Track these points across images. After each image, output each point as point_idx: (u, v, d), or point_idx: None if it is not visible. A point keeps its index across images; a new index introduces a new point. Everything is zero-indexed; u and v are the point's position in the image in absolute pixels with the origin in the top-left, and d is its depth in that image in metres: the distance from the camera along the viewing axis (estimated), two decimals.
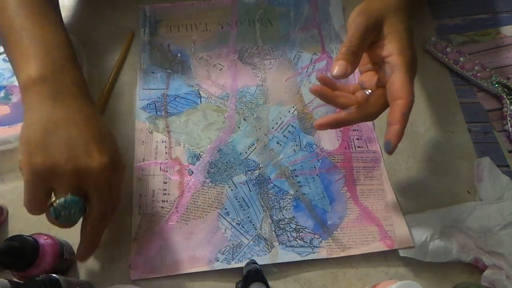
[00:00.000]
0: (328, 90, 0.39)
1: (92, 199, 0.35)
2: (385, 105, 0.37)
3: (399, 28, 0.37)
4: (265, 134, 0.49)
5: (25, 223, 0.43)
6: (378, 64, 0.38)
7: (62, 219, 0.34)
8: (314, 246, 0.43)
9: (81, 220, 0.36)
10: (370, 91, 0.38)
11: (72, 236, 0.41)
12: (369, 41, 0.37)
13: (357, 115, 0.37)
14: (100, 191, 0.35)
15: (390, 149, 0.35)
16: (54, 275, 0.33)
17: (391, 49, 0.36)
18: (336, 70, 0.35)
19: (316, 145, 0.49)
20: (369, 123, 0.50)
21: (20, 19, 0.38)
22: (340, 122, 0.38)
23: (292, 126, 0.50)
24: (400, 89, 0.35)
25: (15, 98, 0.49)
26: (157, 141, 0.48)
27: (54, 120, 0.34)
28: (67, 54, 0.39)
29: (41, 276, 0.32)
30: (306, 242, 0.43)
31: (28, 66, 0.36)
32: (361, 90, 0.40)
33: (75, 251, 0.39)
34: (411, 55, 0.36)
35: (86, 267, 0.42)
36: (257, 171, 0.47)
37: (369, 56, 0.39)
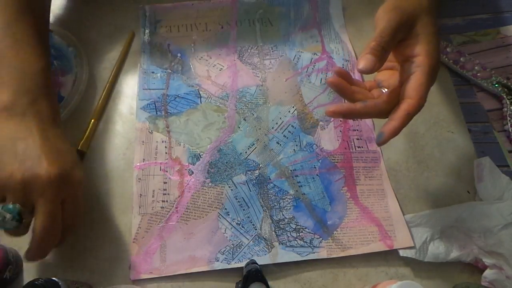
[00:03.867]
0: (346, 84, 0.37)
1: (36, 210, 0.35)
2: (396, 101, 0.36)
3: (431, 30, 0.36)
4: (265, 134, 0.49)
5: None
6: (400, 63, 0.37)
7: None
8: (314, 246, 0.43)
9: None
10: (386, 89, 0.38)
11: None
12: (399, 38, 0.36)
13: (372, 110, 0.36)
14: (45, 204, 0.35)
15: (380, 140, 0.34)
16: (54, 278, 0.34)
17: (419, 50, 0.35)
18: (363, 64, 0.33)
19: (316, 145, 0.49)
20: (369, 123, 0.50)
21: (2, 44, 0.39)
22: (354, 113, 0.36)
23: (292, 126, 0.50)
24: (414, 89, 0.34)
25: None
26: (157, 141, 0.48)
27: (12, 137, 0.36)
28: (42, 83, 0.39)
29: (40, 279, 0.33)
30: (306, 242, 0.43)
31: (1, 92, 0.37)
32: (377, 88, 0.39)
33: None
34: (437, 60, 0.35)
35: (86, 267, 0.42)
36: (257, 171, 0.47)
37: (394, 53, 0.38)
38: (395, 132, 0.34)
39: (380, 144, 0.35)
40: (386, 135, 0.34)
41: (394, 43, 0.36)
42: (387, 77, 0.39)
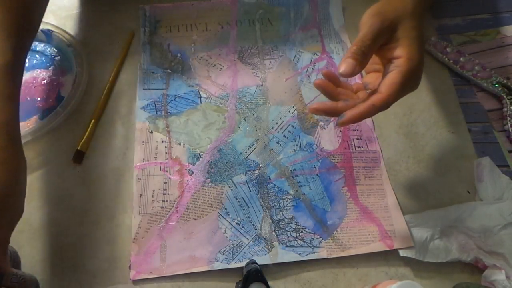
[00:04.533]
0: (331, 86, 0.38)
1: None
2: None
3: (413, 34, 0.36)
4: (265, 134, 0.49)
5: None
6: (383, 65, 0.38)
7: None
8: (314, 246, 0.43)
9: None
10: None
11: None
12: (380, 42, 0.36)
13: (354, 109, 0.36)
14: None
15: (340, 121, 0.35)
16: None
17: (400, 53, 0.36)
18: (343, 68, 0.34)
19: (316, 145, 0.49)
20: (369, 123, 0.50)
21: None
22: (335, 111, 0.37)
23: (292, 126, 0.50)
24: (386, 86, 0.35)
25: None
26: (157, 141, 0.48)
27: None
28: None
29: None
30: (306, 242, 0.43)
31: None
32: (363, 90, 0.40)
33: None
34: (417, 63, 0.36)
35: (86, 267, 0.42)
36: (257, 171, 0.47)
37: (378, 56, 0.39)
38: (354, 119, 0.35)
39: (338, 124, 0.36)
40: (346, 118, 0.35)
41: (375, 47, 0.36)
42: (374, 79, 0.40)
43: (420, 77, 0.37)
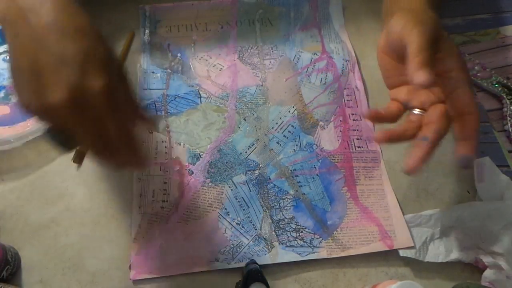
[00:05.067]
0: (396, 132, 0.37)
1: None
2: (450, 120, 0.36)
3: (452, 43, 0.36)
4: (265, 134, 0.49)
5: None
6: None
7: None
8: (314, 246, 0.43)
9: None
10: (418, 110, 0.37)
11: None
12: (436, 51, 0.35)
13: (438, 140, 0.35)
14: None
15: (467, 163, 0.35)
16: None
17: (452, 64, 0.35)
18: (423, 77, 0.31)
19: (316, 145, 0.49)
20: (369, 123, 0.50)
21: None
22: (430, 154, 0.35)
23: (292, 126, 0.50)
24: (468, 104, 0.34)
25: (16, 98, 0.49)
26: (157, 141, 0.48)
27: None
28: None
29: None
30: (306, 242, 0.43)
31: None
32: (409, 111, 0.38)
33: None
34: (468, 71, 0.35)
35: (86, 267, 0.42)
36: (257, 171, 0.47)
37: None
38: (475, 149, 0.34)
39: (467, 167, 0.35)
40: (470, 155, 0.34)
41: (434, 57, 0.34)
42: (408, 95, 0.38)
43: None
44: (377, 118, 0.38)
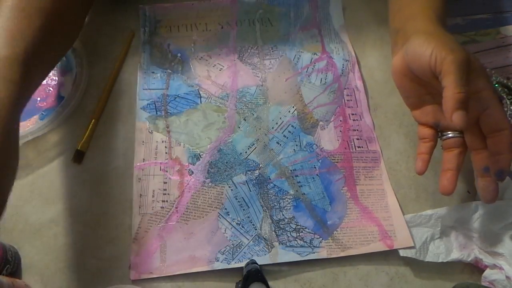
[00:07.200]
0: (455, 175, 0.39)
1: None
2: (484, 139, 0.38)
3: (479, 63, 0.36)
4: (265, 134, 0.49)
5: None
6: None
7: None
8: (314, 246, 0.43)
9: None
10: (453, 133, 0.39)
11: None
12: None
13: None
14: None
15: (504, 177, 0.36)
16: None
17: (481, 85, 0.36)
18: (462, 121, 0.32)
19: (316, 145, 0.49)
20: (369, 123, 0.50)
21: None
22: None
23: (292, 126, 0.50)
24: (501, 121, 0.36)
25: None
26: (157, 141, 0.48)
27: None
28: None
29: None
30: (306, 242, 0.43)
31: None
32: (442, 135, 0.40)
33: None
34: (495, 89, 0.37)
35: (86, 267, 0.42)
36: (257, 171, 0.47)
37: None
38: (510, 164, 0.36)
39: (503, 180, 0.37)
40: (508, 169, 0.36)
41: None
42: (436, 115, 0.40)
43: None
44: (427, 161, 0.40)
